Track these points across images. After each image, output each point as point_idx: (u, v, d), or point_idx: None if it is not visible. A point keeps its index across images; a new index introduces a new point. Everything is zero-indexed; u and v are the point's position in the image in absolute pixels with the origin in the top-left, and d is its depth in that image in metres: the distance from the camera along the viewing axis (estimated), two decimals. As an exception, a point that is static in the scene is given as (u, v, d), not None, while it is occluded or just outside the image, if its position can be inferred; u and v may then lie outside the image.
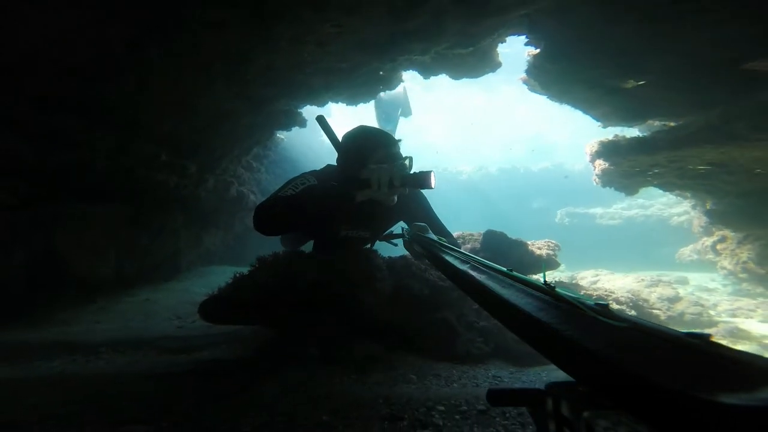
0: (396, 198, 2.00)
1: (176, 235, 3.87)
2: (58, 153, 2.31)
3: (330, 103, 4.53)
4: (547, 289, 0.62)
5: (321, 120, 2.18)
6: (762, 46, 2.13)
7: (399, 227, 2.45)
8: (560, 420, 0.42)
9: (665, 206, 12.89)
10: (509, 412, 1.72)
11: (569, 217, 16.32)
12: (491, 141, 34.02)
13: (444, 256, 1.27)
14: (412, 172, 1.99)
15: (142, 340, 2.37)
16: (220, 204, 4.38)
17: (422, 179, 1.89)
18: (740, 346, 3.71)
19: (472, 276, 0.89)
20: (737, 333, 3.73)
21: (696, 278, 8.77)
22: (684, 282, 8.38)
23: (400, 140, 2.12)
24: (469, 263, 0.99)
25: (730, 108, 2.57)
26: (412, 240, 1.99)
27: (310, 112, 5.03)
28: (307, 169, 2.22)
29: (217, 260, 5.73)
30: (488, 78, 4.28)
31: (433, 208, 2.47)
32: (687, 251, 8.33)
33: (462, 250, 1.22)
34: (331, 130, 2.20)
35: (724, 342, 3.02)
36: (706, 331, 3.96)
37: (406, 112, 5.11)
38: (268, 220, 1.86)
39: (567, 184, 17.38)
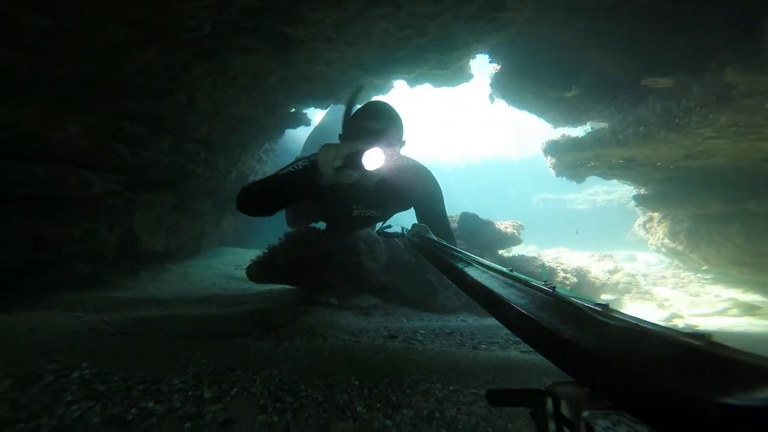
0: (355, 176, 1.71)
1: (203, 219, 4.60)
2: (139, 153, 3.04)
3: (331, 105, 5.28)
4: (547, 289, 0.62)
5: (359, 90, 2.21)
6: (645, 71, 3.02)
7: (399, 227, 2.56)
8: (560, 420, 0.42)
9: (628, 191, 13.95)
10: (465, 332, 2.58)
11: (544, 203, 17.60)
12: (474, 133, 34.77)
13: (443, 255, 1.27)
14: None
15: (200, 298, 3.04)
16: (238, 193, 5.08)
17: (355, 159, 1.56)
18: (646, 305, 4.71)
19: (470, 276, 0.88)
20: (645, 296, 4.74)
21: (646, 255, 9.59)
22: (632, 259, 9.43)
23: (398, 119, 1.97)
24: (468, 263, 0.99)
25: (625, 116, 3.48)
26: (411, 239, 2.01)
27: (314, 112, 5.75)
28: None
29: (227, 243, 6.45)
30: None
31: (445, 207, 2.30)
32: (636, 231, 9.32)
33: (460, 250, 1.20)
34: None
35: (635, 302, 4.22)
36: (626, 296, 4.95)
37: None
38: (244, 202, 1.90)
39: (543, 175, 18.44)
